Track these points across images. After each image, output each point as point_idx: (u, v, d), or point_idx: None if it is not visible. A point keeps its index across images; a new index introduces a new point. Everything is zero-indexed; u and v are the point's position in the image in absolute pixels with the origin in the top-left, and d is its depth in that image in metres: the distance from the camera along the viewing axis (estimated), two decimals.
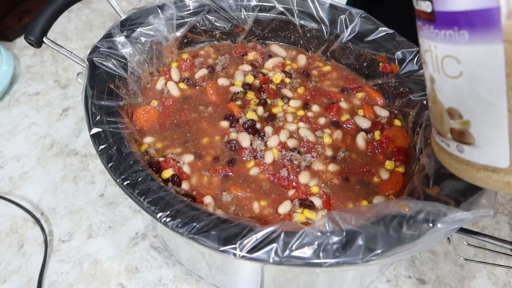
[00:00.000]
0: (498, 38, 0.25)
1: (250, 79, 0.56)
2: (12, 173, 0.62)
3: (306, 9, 0.58)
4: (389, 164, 0.47)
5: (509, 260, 0.53)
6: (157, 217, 0.35)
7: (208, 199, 0.43)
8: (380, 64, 0.54)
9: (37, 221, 0.55)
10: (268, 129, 0.50)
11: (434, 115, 0.33)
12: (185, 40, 0.60)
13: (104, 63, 0.48)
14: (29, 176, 0.62)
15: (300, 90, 0.56)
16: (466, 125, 0.29)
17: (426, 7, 0.29)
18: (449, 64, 0.29)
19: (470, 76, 0.27)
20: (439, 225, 0.32)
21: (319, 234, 0.33)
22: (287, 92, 0.56)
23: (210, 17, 0.59)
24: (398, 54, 0.52)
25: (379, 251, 0.31)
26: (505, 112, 0.27)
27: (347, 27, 0.56)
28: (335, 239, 0.32)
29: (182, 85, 0.56)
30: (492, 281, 0.52)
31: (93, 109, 0.44)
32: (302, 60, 0.61)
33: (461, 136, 0.30)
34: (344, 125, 0.52)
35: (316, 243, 0.32)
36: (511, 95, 0.26)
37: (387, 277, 0.52)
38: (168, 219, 0.35)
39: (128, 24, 0.53)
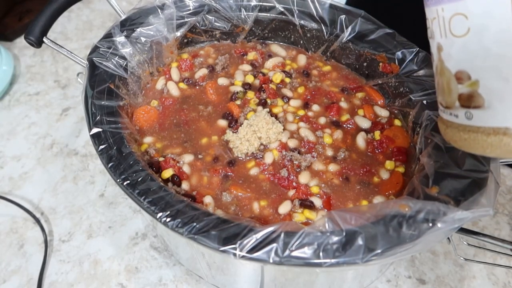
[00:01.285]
0: None
1: (250, 79, 0.56)
2: (12, 173, 0.62)
3: (306, 9, 0.58)
4: (389, 164, 0.47)
5: (509, 260, 0.53)
6: (157, 217, 0.35)
7: (208, 199, 0.43)
8: (380, 64, 0.54)
9: (37, 221, 0.55)
10: None
11: (442, 88, 0.33)
12: (185, 40, 0.60)
13: (104, 63, 0.48)
14: (29, 176, 0.62)
15: (300, 90, 0.56)
16: (474, 86, 0.30)
17: None
18: (456, 22, 0.29)
19: (478, 30, 0.28)
20: (438, 225, 0.32)
21: (319, 234, 0.33)
22: (287, 92, 0.56)
23: (210, 17, 0.59)
24: (398, 54, 0.52)
25: (379, 251, 0.31)
26: None
27: (347, 27, 0.56)
28: (335, 239, 0.32)
29: (182, 85, 0.56)
30: (492, 281, 0.52)
31: (93, 109, 0.44)
32: (302, 60, 0.61)
33: (470, 100, 0.30)
34: (344, 125, 0.52)
35: (316, 243, 0.32)
36: None
37: (387, 277, 0.52)
38: (168, 219, 0.35)
39: (128, 24, 0.53)
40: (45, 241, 0.53)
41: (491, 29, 0.27)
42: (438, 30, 0.32)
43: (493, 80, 0.28)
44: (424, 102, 0.48)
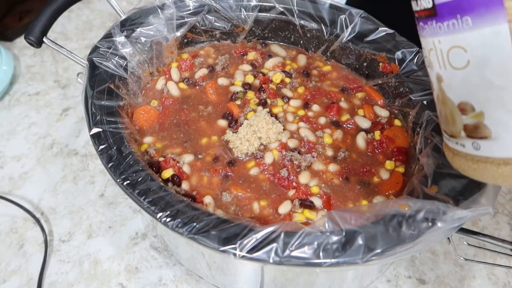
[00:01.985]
0: (502, 18, 0.25)
1: (250, 79, 0.57)
2: (12, 173, 0.62)
3: (306, 9, 0.58)
4: (389, 164, 0.47)
5: (509, 260, 0.53)
6: (157, 217, 0.35)
7: (208, 199, 0.43)
8: (380, 64, 0.54)
9: (37, 221, 0.55)
10: None
11: (445, 117, 0.32)
12: (185, 40, 0.60)
13: (104, 63, 0.48)
14: (29, 176, 0.62)
15: (300, 90, 0.56)
16: (479, 117, 0.28)
17: (426, 3, 0.29)
18: (455, 55, 0.28)
19: (478, 62, 0.27)
20: (438, 224, 0.32)
21: (319, 234, 0.33)
22: (287, 92, 0.56)
23: (210, 17, 0.59)
24: (398, 54, 0.52)
25: (378, 251, 0.31)
26: None
27: (347, 27, 0.56)
28: (335, 238, 0.32)
29: (182, 85, 0.56)
30: (492, 281, 0.52)
31: (93, 109, 0.44)
32: (302, 60, 0.61)
33: (476, 131, 0.29)
34: (344, 125, 0.52)
35: (316, 243, 0.32)
36: None
37: (387, 277, 0.52)
38: (168, 219, 0.35)
39: (128, 24, 0.53)
40: (45, 241, 0.53)
41: (492, 62, 0.26)
42: (436, 61, 0.31)
43: (498, 112, 0.27)
44: (424, 102, 0.48)
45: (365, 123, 0.52)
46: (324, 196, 0.44)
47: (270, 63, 0.59)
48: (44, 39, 0.51)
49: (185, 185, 0.45)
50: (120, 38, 0.51)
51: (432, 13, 0.29)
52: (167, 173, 0.44)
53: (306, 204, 0.43)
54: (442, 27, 0.29)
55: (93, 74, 0.47)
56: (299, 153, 0.48)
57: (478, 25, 0.26)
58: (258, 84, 0.56)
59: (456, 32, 0.28)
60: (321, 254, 0.32)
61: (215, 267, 0.44)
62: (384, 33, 0.54)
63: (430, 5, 0.29)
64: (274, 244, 0.32)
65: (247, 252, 0.32)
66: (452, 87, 0.30)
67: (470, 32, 0.27)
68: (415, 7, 0.31)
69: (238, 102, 0.53)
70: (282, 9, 0.59)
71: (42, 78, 0.78)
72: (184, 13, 0.57)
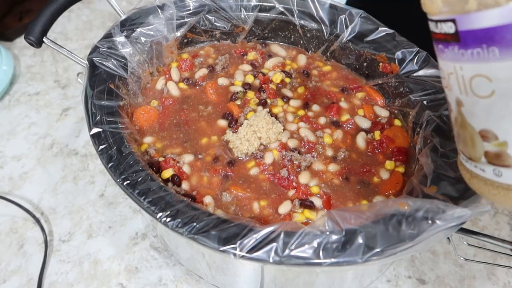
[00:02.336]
0: None
1: (250, 79, 0.57)
2: (12, 173, 0.62)
3: (306, 9, 0.58)
4: (389, 164, 0.47)
5: (509, 260, 0.53)
6: (157, 217, 0.35)
7: (208, 199, 0.43)
8: (380, 64, 0.54)
9: (37, 221, 0.55)
10: None
11: (464, 140, 0.31)
12: (185, 40, 0.60)
13: (104, 63, 0.48)
14: (29, 176, 0.62)
15: (300, 90, 0.56)
16: (503, 147, 0.27)
17: (448, 28, 0.27)
18: (479, 83, 0.27)
19: (504, 94, 0.26)
20: (438, 222, 0.32)
21: (318, 233, 0.33)
22: (287, 92, 0.56)
23: (210, 17, 0.59)
24: (398, 54, 0.52)
25: (378, 250, 0.31)
26: None
27: (347, 27, 0.56)
28: (335, 238, 0.32)
29: (182, 85, 0.56)
30: (492, 281, 0.52)
31: (93, 109, 0.44)
32: (302, 60, 0.61)
33: (498, 159, 0.28)
34: (344, 125, 0.52)
35: (316, 242, 0.32)
36: None
37: (387, 277, 0.52)
38: (168, 219, 0.35)
39: (128, 24, 0.53)
40: (45, 241, 0.53)
41: None
42: (456, 85, 0.29)
43: None
44: (424, 102, 0.48)
45: (365, 123, 0.52)
46: (324, 196, 0.44)
47: (270, 63, 0.59)
48: (44, 39, 0.51)
49: (185, 185, 0.45)
50: (120, 38, 0.51)
51: (455, 39, 0.27)
52: (167, 173, 0.44)
53: (306, 204, 0.43)
54: (465, 54, 0.27)
55: (93, 74, 0.47)
56: (299, 153, 0.48)
57: (506, 57, 0.25)
58: (258, 84, 0.56)
59: (481, 61, 0.26)
60: (321, 253, 0.32)
61: (215, 267, 0.44)
62: (384, 33, 0.54)
63: (452, 31, 0.27)
64: (274, 244, 0.32)
65: (247, 252, 0.32)
66: (473, 114, 0.29)
67: (496, 63, 0.25)
68: (433, 28, 0.29)
69: (238, 102, 0.53)
70: (282, 9, 0.59)
71: (42, 78, 0.78)
72: (184, 13, 0.57)
